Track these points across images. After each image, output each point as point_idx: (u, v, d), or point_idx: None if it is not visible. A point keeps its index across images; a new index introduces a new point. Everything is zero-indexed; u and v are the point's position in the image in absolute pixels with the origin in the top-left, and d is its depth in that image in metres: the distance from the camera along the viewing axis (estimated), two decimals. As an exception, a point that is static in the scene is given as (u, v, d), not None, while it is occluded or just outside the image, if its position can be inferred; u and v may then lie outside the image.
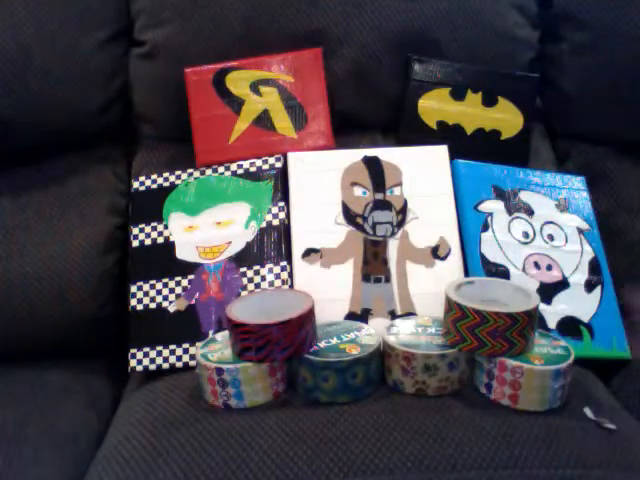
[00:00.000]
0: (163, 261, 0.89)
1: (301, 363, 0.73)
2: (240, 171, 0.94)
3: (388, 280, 0.86)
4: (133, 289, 0.89)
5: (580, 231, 0.93)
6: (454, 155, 0.94)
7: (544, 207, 0.94)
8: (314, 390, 0.73)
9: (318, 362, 0.71)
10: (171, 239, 0.91)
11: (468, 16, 0.99)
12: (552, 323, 0.85)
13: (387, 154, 0.93)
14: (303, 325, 0.70)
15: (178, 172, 0.96)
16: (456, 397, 0.73)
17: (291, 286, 0.86)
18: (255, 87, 0.97)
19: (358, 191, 0.91)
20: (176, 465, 0.66)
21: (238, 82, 0.97)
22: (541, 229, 0.92)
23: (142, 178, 0.96)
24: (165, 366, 0.84)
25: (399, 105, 1.00)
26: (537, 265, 0.88)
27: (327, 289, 0.84)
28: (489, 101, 1.00)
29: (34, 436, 0.79)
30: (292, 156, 0.94)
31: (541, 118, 1.08)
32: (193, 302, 0.86)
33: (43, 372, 0.93)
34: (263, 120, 0.97)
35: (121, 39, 1.03)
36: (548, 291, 0.86)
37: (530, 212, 0.93)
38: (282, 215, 0.90)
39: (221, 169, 0.95)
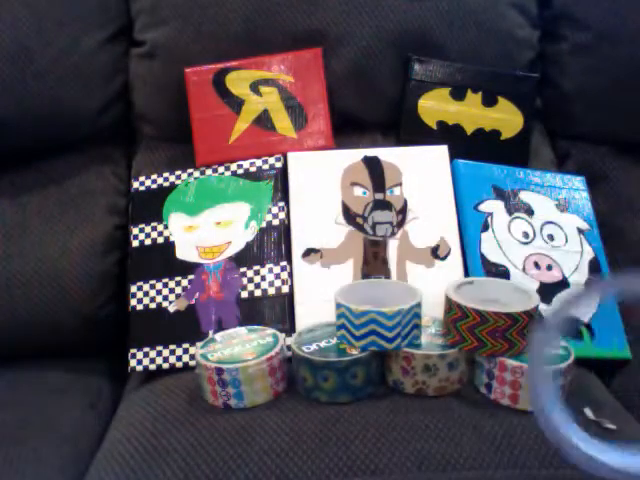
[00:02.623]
0: (163, 261, 0.89)
1: (301, 363, 0.73)
2: (240, 171, 0.94)
3: (388, 280, 0.86)
4: (133, 289, 0.89)
5: (580, 231, 0.93)
6: (454, 155, 0.94)
7: (544, 207, 0.94)
8: (314, 390, 0.73)
9: (318, 362, 0.71)
10: (171, 239, 0.91)
11: (468, 16, 0.99)
12: (552, 323, 0.85)
13: (387, 154, 0.93)
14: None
15: (178, 172, 0.96)
16: (456, 397, 0.73)
17: (291, 286, 0.86)
18: (255, 87, 0.97)
19: (358, 191, 0.91)
20: (176, 465, 0.66)
21: (238, 82, 0.97)
22: (541, 229, 0.92)
23: (142, 178, 0.96)
24: (165, 366, 0.84)
25: (399, 105, 1.00)
26: (537, 265, 0.88)
27: (327, 289, 0.84)
28: (489, 101, 1.00)
29: (34, 436, 0.79)
30: (292, 156, 0.94)
31: (541, 118, 1.08)
32: (193, 302, 0.86)
33: (43, 372, 0.93)
34: (263, 120, 0.97)
35: (121, 39, 1.03)
36: (548, 291, 0.86)
37: (530, 212, 0.93)
38: (282, 215, 0.90)
39: (221, 169, 0.95)
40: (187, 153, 0.97)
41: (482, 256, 0.87)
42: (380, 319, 0.70)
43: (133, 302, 0.88)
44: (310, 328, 0.79)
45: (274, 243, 0.89)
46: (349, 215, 0.89)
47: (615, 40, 1.01)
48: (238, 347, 0.76)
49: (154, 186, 0.95)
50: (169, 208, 0.93)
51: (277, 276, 0.87)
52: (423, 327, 0.75)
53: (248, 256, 0.88)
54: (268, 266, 0.87)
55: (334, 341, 0.75)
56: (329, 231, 0.88)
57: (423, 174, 0.92)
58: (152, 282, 0.88)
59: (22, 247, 0.94)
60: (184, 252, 0.90)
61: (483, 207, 0.92)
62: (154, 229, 0.91)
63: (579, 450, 0.40)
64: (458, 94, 1.00)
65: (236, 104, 0.97)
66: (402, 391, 0.74)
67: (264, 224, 0.90)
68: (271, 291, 0.86)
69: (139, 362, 0.85)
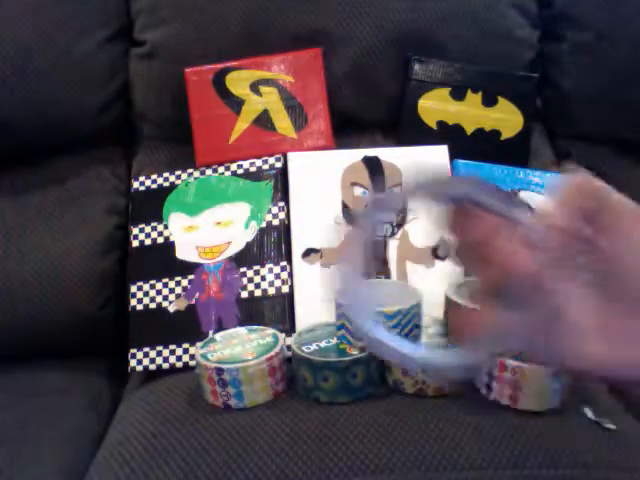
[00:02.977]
0: (163, 261, 0.89)
1: (301, 363, 0.73)
2: (240, 171, 0.94)
3: (388, 280, 0.86)
4: (133, 289, 0.88)
5: (580, 231, 0.93)
6: (454, 155, 0.94)
7: (544, 207, 0.94)
8: (314, 390, 0.73)
9: (318, 362, 0.71)
10: (171, 239, 0.91)
11: (468, 16, 0.99)
12: (552, 323, 0.85)
13: (387, 154, 0.93)
14: None
15: (178, 172, 0.95)
16: (456, 397, 0.73)
17: (291, 286, 0.86)
18: (255, 87, 0.97)
19: (358, 191, 0.91)
20: (176, 465, 0.66)
21: (238, 82, 0.97)
22: (541, 229, 0.91)
23: (142, 178, 0.96)
24: (165, 366, 0.84)
25: (399, 105, 1.00)
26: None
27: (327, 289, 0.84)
28: (489, 101, 1.00)
29: (34, 436, 0.79)
30: (292, 156, 0.93)
31: (541, 118, 1.08)
32: (193, 302, 0.86)
33: (43, 372, 0.92)
34: (263, 120, 0.97)
35: (121, 39, 1.02)
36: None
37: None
38: (282, 215, 0.90)
39: (221, 169, 0.95)
40: (187, 153, 0.97)
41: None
42: (380, 319, 0.70)
43: (133, 302, 0.88)
44: (310, 328, 0.79)
45: (274, 243, 0.89)
46: (349, 215, 0.89)
47: (615, 40, 1.01)
48: (238, 347, 0.76)
49: (154, 186, 0.95)
50: (169, 208, 0.93)
51: (277, 276, 0.87)
52: (423, 327, 0.75)
53: (248, 256, 0.88)
54: (268, 266, 0.87)
55: (334, 341, 0.75)
56: (329, 231, 0.88)
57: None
58: (152, 282, 0.88)
59: (22, 247, 0.94)
60: (184, 252, 0.90)
61: (483, 207, 0.91)
62: (154, 229, 0.91)
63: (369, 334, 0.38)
64: (458, 94, 1.00)
65: (236, 104, 0.97)
66: (402, 391, 0.74)
67: (264, 224, 0.90)
68: (271, 291, 0.86)
69: (139, 362, 0.85)
